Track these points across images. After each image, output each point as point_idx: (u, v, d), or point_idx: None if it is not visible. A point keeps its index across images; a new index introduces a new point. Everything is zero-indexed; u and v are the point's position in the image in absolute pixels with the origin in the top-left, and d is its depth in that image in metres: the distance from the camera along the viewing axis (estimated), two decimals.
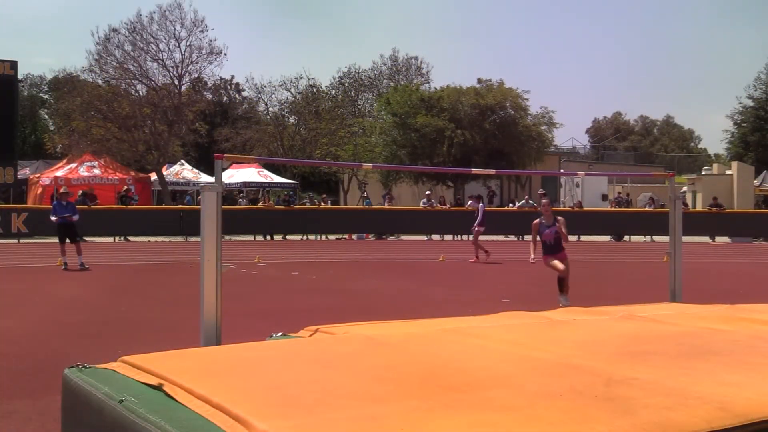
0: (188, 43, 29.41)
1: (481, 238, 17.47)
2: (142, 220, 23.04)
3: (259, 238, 23.77)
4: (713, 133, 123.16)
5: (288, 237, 24.14)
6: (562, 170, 38.82)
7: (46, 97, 54.77)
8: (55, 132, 38.70)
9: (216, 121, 43.59)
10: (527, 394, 2.03)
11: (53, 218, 14.81)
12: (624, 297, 7.78)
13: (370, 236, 25.20)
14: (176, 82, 30.21)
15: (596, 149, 62.67)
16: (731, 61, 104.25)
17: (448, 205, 26.33)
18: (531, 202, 26.55)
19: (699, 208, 31.10)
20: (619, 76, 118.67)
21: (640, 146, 72.28)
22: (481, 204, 17.94)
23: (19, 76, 23.84)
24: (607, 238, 25.03)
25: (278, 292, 11.48)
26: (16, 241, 20.85)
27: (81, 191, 23.88)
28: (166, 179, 30.48)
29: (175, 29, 29.16)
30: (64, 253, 14.56)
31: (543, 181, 37.43)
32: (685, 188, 35.41)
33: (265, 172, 32.56)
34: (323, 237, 24.68)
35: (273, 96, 43.19)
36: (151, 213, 24.70)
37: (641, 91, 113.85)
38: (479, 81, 33.91)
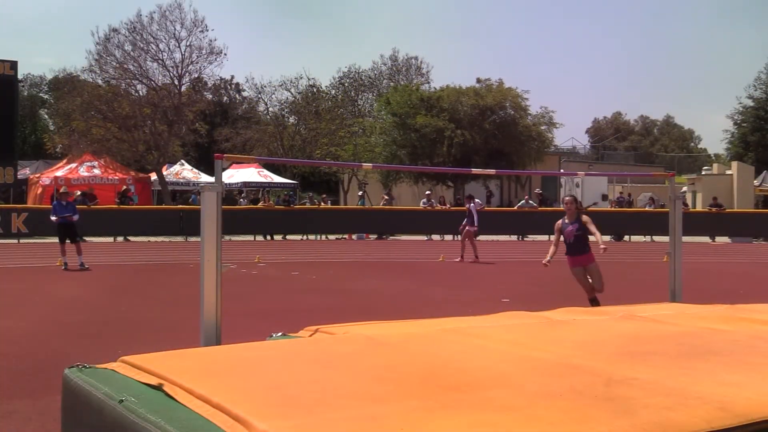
0: (188, 43, 29.44)
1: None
2: (142, 220, 23.04)
3: (259, 238, 23.76)
4: (713, 133, 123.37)
5: (288, 237, 24.14)
6: (562, 170, 38.81)
7: (46, 97, 54.78)
8: (55, 132, 38.69)
9: (216, 121, 43.60)
10: (527, 394, 2.03)
11: (53, 218, 14.81)
12: (624, 297, 7.78)
13: (370, 236, 25.21)
14: (176, 82, 30.21)
15: (596, 149, 62.65)
16: (731, 61, 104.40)
17: (448, 205, 26.33)
18: (531, 202, 26.55)
19: (699, 208, 31.09)
20: (619, 76, 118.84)
21: (640, 146, 72.27)
22: (471, 204, 17.89)
23: (19, 76, 23.83)
24: (607, 238, 24.98)
25: (278, 292, 11.48)
26: (16, 241, 20.85)
27: (79, 192, 23.87)
28: (166, 179, 30.48)
29: (175, 29, 29.19)
30: (64, 253, 14.56)
31: (543, 181, 37.41)
32: (685, 188, 35.41)
33: (265, 172, 32.57)
34: (323, 237, 24.68)
35: (273, 96, 43.28)
36: (151, 213, 24.70)
37: (641, 91, 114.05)
38: (478, 80, 33.91)
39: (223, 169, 5.59)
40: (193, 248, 15.36)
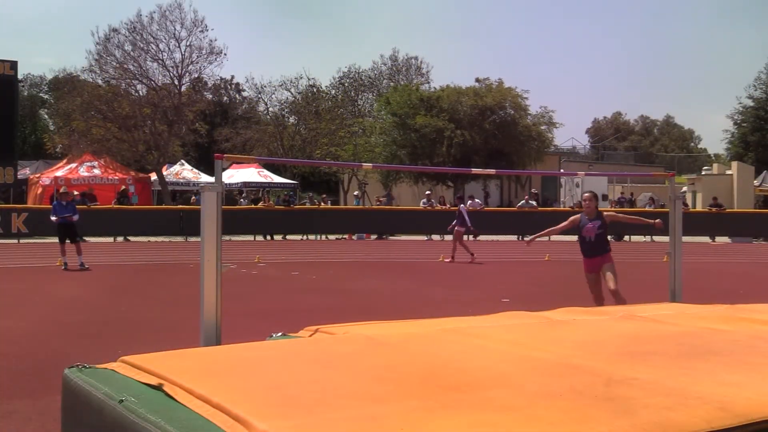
0: (188, 43, 29.45)
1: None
2: (142, 220, 23.05)
3: (259, 238, 23.77)
4: (713, 133, 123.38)
5: (288, 237, 24.14)
6: (562, 170, 38.81)
7: (46, 97, 54.78)
8: (55, 132, 38.70)
9: (216, 121, 43.59)
10: (527, 394, 2.03)
11: (53, 218, 14.81)
12: (624, 297, 7.78)
13: (370, 236, 25.22)
14: (176, 82, 30.21)
15: (596, 149, 62.64)
16: (731, 61, 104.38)
17: (448, 205, 26.33)
18: (531, 202, 26.56)
19: (699, 208, 31.08)
20: (619, 76, 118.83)
21: (640, 146, 72.26)
22: (462, 205, 17.97)
23: (19, 76, 23.86)
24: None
25: (278, 292, 11.48)
26: (16, 241, 20.86)
27: (76, 192, 23.84)
28: (166, 179, 30.47)
29: (175, 29, 29.19)
30: (64, 253, 14.57)
31: (543, 181, 37.42)
32: (685, 188, 35.40)
33: (265, 172, 32.57)
34: (323, 237, 24.68)
35: (273, 96, 43.31)
36: (151, 213, 24.70)
37: (641, 91, 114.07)
38: (477, 80, 33.93)
39: (223, 169, 5.59)
40: (193, 248, 15.36)
